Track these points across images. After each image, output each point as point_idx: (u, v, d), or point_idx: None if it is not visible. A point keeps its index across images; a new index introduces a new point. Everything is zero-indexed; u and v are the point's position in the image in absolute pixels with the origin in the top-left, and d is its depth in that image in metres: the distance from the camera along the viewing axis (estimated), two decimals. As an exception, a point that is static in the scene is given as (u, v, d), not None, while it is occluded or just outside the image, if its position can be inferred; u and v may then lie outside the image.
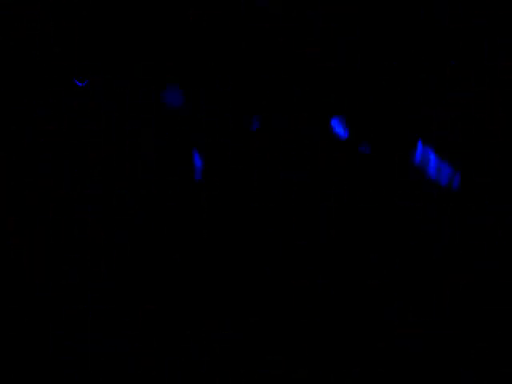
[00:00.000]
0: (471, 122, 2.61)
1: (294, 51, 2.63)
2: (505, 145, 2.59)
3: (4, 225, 2.56)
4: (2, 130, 2.61)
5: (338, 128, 2.30)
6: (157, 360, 2.49)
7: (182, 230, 2.63)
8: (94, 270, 2.57)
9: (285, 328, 2.55)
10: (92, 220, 2.60)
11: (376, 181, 2.63)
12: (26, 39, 2.61)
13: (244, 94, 2.65)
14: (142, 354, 2.49)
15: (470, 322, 2.52)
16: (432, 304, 2.56)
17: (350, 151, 2.63)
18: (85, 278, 2.55)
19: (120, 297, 2.55)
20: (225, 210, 2.65)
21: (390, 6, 2.62)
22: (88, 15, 2.62)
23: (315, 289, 2.58)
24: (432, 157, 2.42)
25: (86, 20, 2.62)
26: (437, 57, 2.63)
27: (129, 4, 2.63)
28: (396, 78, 2.63)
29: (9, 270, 2.53)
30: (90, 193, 2.60)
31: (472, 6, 2.59)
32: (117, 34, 2.63)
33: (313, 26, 2.63)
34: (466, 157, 2.61)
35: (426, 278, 2.58)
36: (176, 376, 2.47)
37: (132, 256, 2.60)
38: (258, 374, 2.48)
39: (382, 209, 2.62)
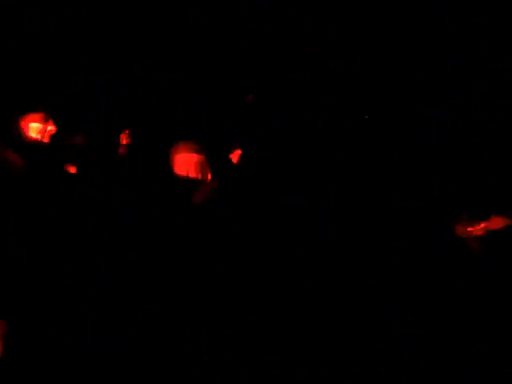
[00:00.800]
0: (471, 122, 2.61)
1: (294, 51, 2.63)
2: (505, 145, 2.59)
3: (4, 225, 2.56)
4: (1, 129, 2.61)
5: None
6: (157, 360, 2.49)
7: (182, 230, 2.63)
8: (94, 270, 2.57)
9: (285, 328, 2.55)
10: (92, 220, 2.60)
11: (376, 181, 2.63)
12: (26, 39, 2.61)
13: (244, 93, 2.65)
14: (142, 354, 2.49)
15: (470, 321, 2.52)
16: (432, 304, 2.56)
17: (350, 151, 2.63)
18: (85, 278, 2.55)
19: (120, 297, 2.55)
20: (225, 210, 2.65)
21: (390, 6, 2.62)
22: (88, 15, 2.62)
23: (315, 289, 2.58)
24: None
25: (86, 20, 2.62)
26: (437, 57, 2.63)
27: (129, 4, 2.63)
28: (396, 78, 2.63)
29: (9, 270, 2.53)
30: (90, 193, 2.61)
31: (472, 6, 2.59)
32: (116, 34, 2.63)
33: (313, 26, 2.63)
34: (466, 157, 2.61)
35: (425, 278, 2.58)
36: (176, 376, 2.47)
37: (132, 256, 2.60)
38: (258, 374, 2.48)
39: (382, 209, 2.62)
